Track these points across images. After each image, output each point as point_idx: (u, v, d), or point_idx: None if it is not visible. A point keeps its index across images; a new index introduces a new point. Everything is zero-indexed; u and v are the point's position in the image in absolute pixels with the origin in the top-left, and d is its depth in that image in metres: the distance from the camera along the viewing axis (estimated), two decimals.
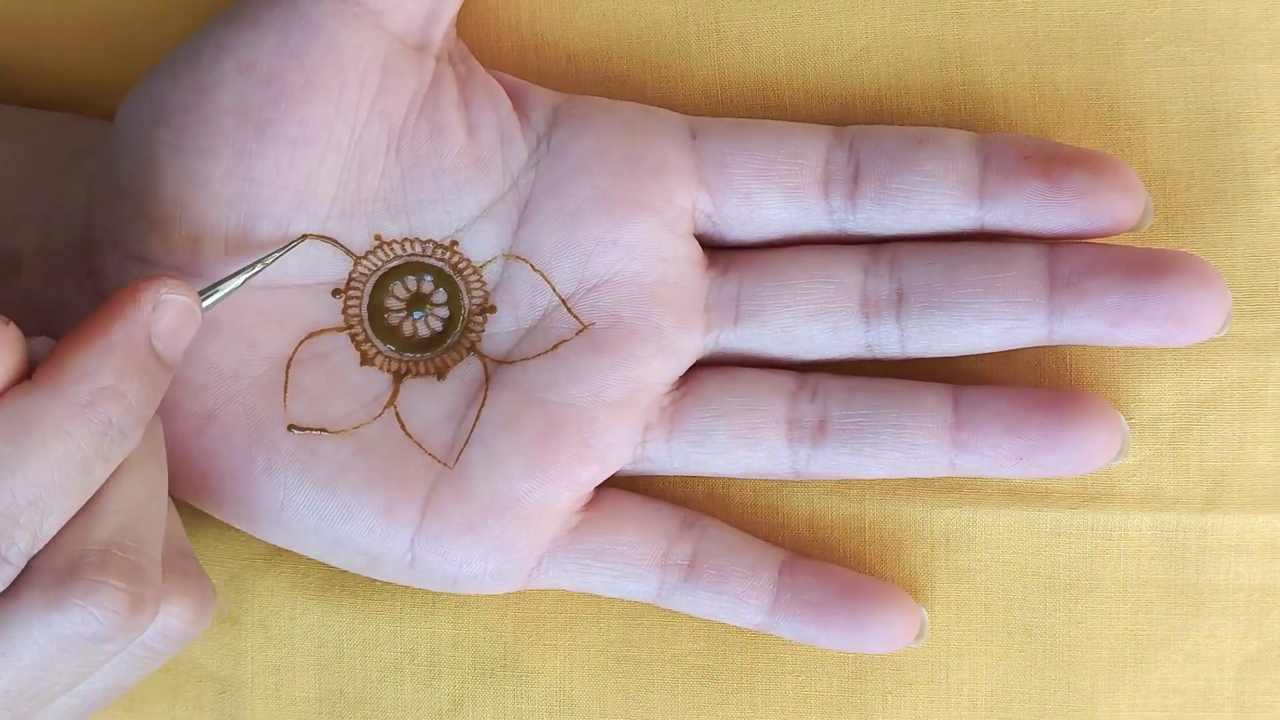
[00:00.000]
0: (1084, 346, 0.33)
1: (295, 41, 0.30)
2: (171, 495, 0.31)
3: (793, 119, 0.33)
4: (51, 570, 0.26)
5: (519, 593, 0.34)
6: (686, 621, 0.34)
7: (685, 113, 0.33)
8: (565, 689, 0.34)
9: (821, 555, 0.33)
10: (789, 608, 0.32)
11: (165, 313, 0.27)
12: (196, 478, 0.31)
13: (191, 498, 0.32)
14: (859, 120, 0.33)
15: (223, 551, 0.35)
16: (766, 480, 0.33)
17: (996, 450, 0.31)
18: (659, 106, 0.33)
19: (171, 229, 0.30)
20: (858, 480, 0.33)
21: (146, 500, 0.28)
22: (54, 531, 0.26)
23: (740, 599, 0.32)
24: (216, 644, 0.35)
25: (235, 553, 0.35)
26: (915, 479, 0.33)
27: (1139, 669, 0.33)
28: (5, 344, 0.26)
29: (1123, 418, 0.31)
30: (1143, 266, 0.30)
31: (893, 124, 0.33)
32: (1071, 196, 0.30)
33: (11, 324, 0.26)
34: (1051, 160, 0.30)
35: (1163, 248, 0.31)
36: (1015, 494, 0.33)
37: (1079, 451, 0.31)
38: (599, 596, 0.34)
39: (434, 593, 0.34)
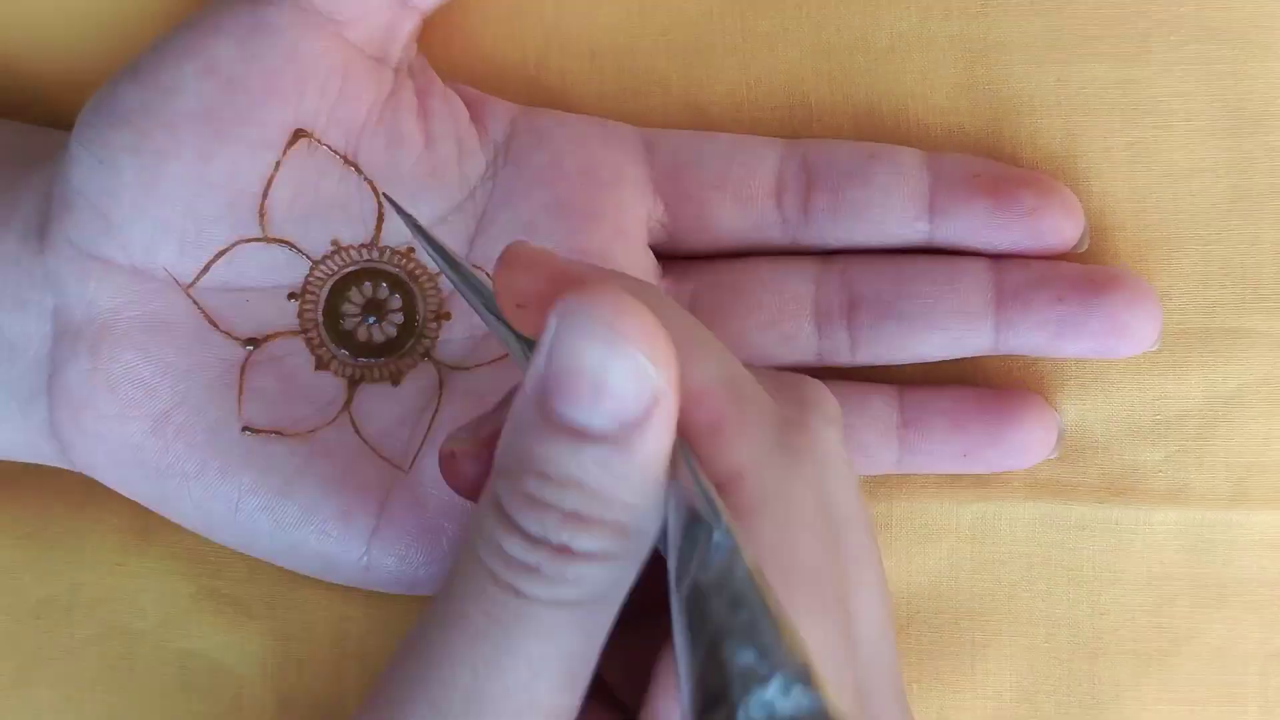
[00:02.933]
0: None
1: (256, 47, 0.30)
2: (125, 497, 0.31)
3: (819, 116, 0.34)
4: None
5: None
6: None
7: (711, 112, 0.34)
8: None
9: None
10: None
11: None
12: (150, 479, 0.31)
13: (146, 499, 0.31)
14: (885, 118, 0.34)
15: (235, 555, 0.34)
16: None
17: (942, 448, 0.32)
18: (683, 103, 0.34)
19: (129, 230, 0.30)
20: (885, 477, 0.34)
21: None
22: None
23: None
24: (233, 639, 0.35)
25: (241, 557, 0.34)
26: (943, 473, 0.33)
27: (1164, 663, 0.33)
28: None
29: (1058, 415, 0.33)
30: (1085, 282, 0.31)
31: (918, 123, 0.33)
32: (1018, 215, 0.31)
33: None
34: (1000, 180, 0.32)
35: (1102, 265, 0.32)
36: (1041, 487, 0.33)
37: (1019, 447, 0.32)
38: None
39: None
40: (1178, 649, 0.33)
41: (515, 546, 0.23)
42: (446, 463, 0.27)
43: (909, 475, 0.34)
